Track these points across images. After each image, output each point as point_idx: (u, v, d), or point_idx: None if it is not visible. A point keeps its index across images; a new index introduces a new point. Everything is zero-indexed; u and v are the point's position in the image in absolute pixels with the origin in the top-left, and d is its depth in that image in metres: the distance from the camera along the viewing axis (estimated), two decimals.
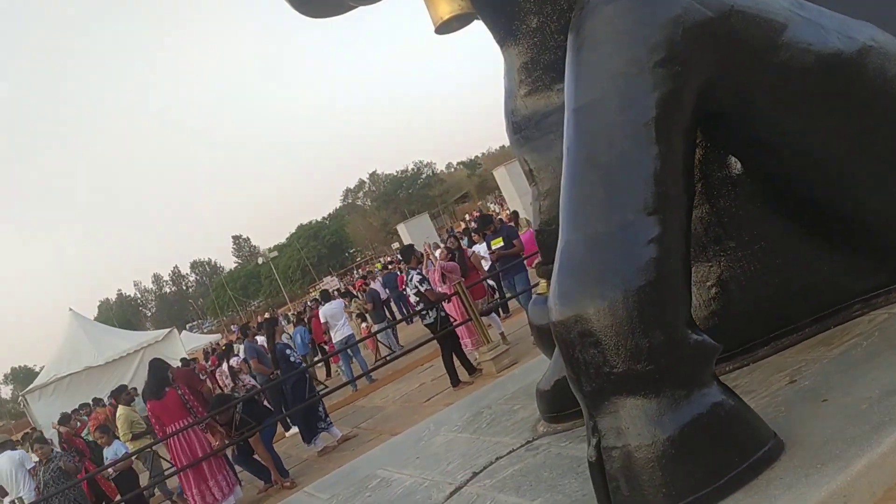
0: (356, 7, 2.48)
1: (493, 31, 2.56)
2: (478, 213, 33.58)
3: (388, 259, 36.46)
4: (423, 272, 10.06)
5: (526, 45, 2.46)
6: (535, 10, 2.39)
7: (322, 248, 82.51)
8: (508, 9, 2.42)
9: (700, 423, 1.69)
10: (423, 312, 9.45)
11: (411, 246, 13.06)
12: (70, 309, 22.43)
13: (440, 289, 9.79)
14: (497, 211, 30.10)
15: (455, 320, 9.60)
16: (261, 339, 12.33)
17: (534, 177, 2.60)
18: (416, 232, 32.39)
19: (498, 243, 11.33)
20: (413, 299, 9.79)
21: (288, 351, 9.67)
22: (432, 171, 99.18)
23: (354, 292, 18.51)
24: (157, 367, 9.13)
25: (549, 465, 2.55)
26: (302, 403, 9.12)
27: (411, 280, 9.44)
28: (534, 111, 2.53)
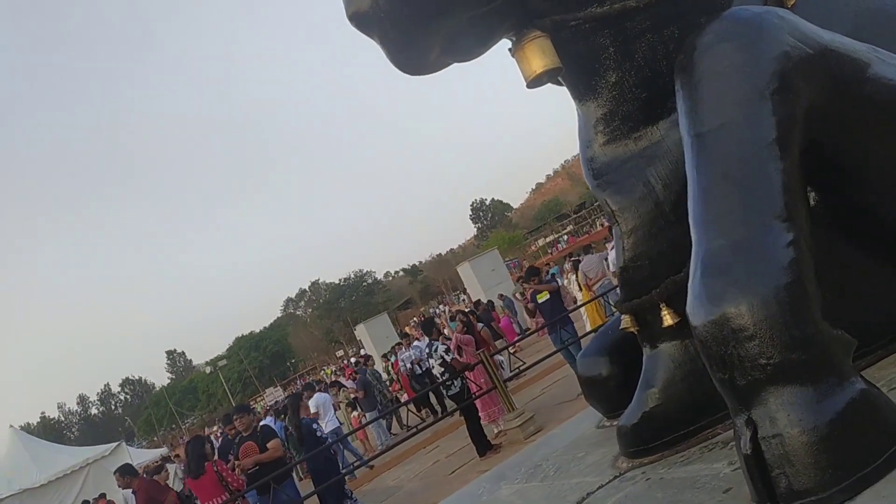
0: (451, 64, 2.66)
1: (573, 87, 2.76)
2: (422, 318, 33.73)
3: (348, 362, 35.93)
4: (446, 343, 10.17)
5: (605, 99, 2.66)
6: (614, 67, 2.59)
7: (264, 359, 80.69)
8: (590, 65, 2.61)
9: (855, 407, 1.79)
10: (449, 383, 9.46)
11: (432, 319, 13.29)
12: (10, 426, 21.34)
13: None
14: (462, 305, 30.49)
15: (477, 391, 9.61)
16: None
17: (616, 218, 2.75)
18: (377, 332, 32.28)
19: (544, 297, 11.54)
20: (437, 370, 9.81)
21: (315, 426, 9.40)
22: (374, 279, 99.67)
23: (343, 381, 18.28)
24: (196, 445, 8.92)
25: (657, 487, 2.53)
26: (333, 478, 8.80)
27: (436, 351, 9.47)
28: (613, 158, 2.71)
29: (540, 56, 2.52)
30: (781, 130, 2.01)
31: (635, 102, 2.65)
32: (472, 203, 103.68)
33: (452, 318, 16.32)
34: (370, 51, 2.57)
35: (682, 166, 2.59)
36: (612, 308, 13.38)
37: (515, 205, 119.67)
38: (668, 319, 2.64)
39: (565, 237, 56.03)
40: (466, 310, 16.18)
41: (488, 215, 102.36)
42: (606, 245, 16.62)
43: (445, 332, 13.99)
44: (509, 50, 2.67)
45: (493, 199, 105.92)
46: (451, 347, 10.01)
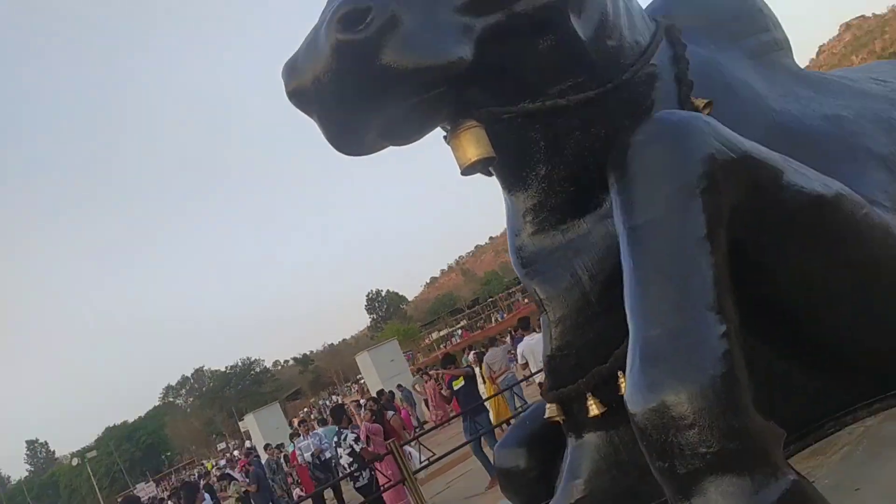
0: (387, 147, 2.68)
1: (503, 177, 2.82)
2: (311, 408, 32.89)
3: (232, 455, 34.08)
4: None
5: (534, 191, 2.73)
6: (544, 160, 2.68)
7: (136, 451, 75.59)
8: (521, 158, 2.69)
9: (789, 498, 1.83)
10: (357, 474, 9.03)
11: (342, 406, 12.80)
12: None
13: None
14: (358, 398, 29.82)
15: (385, 483, 9.21)
16: None
17: (544, 306, 2.79)
18: (267, 422, 30.96)
19: (459, 383, 11.38)
20: (346, 460, 9.37)
21: None
22: (262, 367, 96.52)
23: (235, 474, 17.07)
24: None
25: None
26: None
27: (345, 439, 9.06)
28: (541, 248, 2.77)
29: (475, 145, 2.57)
30: (710, 227, 2.12)
31: (563, 195, 2.73)
32: (368, 293, 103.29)
33: (361, 407, 15.92)
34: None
35: (607, 259, 2.68)
36: (522, 401, 13.52)
37: (410, 297, 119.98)
38: (594, 409, 2.66)
39: (459, 331, 56.40)
40: (363, 399, 15.84)
41: (384, 306, 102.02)
42: (504, 339, 16.78)
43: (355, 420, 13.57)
44: (444, 137, 2.72)
45: (388, 290, 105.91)
46: (361, 436, 9.72)
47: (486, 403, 11.12)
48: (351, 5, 2.24)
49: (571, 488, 2.69)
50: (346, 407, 12.34)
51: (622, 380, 2.64)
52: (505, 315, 52.46)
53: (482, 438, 10.60)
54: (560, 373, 2.77)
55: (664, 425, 1.90)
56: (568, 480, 2.72)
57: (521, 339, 12.40)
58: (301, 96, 2.45)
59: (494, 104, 2.63)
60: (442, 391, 12.88)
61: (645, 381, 1.97)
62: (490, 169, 2.83)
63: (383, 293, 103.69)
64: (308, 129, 2.67)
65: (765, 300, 2.48)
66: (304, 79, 2.39)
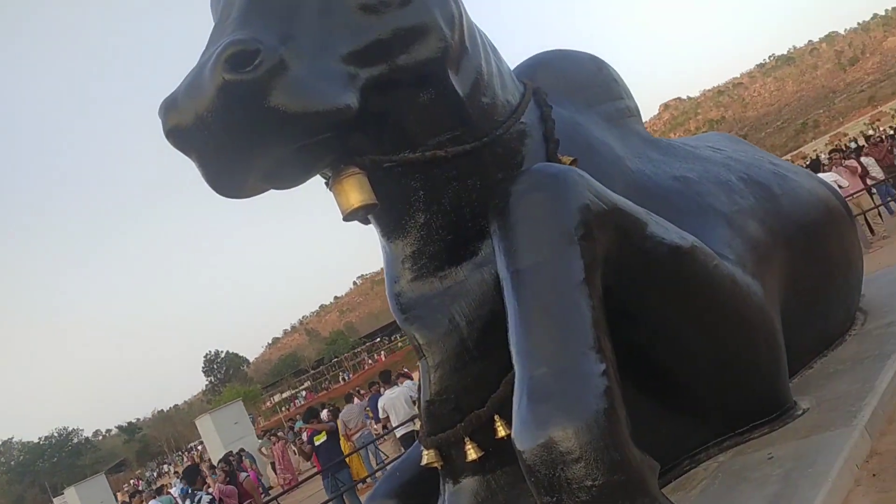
0: (268, 190, 2.64)
1: (383, 224, 2.85)
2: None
3: None
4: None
5: (413, 238, 2.78)
6: (423, 209, 2.74)
7: None
8: (401, 205, 2.75)
9: None
10: None
11: (196, 466, 11.93)
12: None
13: None
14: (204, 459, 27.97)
15: None
16: None
17: (423, 352, 2.82)
18: (91, 497, 28.25)
19: (321, 438, 11.02)
20: None
21: None
22: (81, 438, 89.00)
23: None
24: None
25: None
26: None
27: (199, 502, 8.35)
28: (420, 294, 2.81)
29: (358, 191, 2.59)
30: (588, 272, 2.25)
31: (441, 243, 2.80)
32: (207, 354, 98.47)
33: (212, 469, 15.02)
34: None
35: (484, 305, 2.76)
36: (378, 459, 13.24)
37: (251, 358, 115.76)
38: (472, 453, 2.69)
39: (303, 393, 54.95)
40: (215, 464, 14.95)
41: (223, 368, 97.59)
42: (357, 397, 16.49)
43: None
44: (326, 183, 2.72)
45: (228, 351, 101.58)
46: (215, 496, 9.13)
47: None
48: (239, 46, 2.21)
49: None
50: (199, 467, 11.57)
51: (499, 423, 2.70)
52: (351, 375, 51.86)
53: (344, 496, 10.35)
54: (438, 418, 2.79)
55: (552, 460, 1.96)
56: None
57: (377, 396, 12.31)
58: (180, 135, 2.35)
59: (376, 153, 2.67)
60: (302, 446, 12.44)
61: (533, 418, 2.03)
62: (368, 217, 2.86)
63: (223, 354, 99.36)
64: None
65: (629, 343, 2.64)
66: (184, 117, 2.30)
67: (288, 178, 2.62)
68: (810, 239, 3.51)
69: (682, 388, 2.80)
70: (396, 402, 10.32)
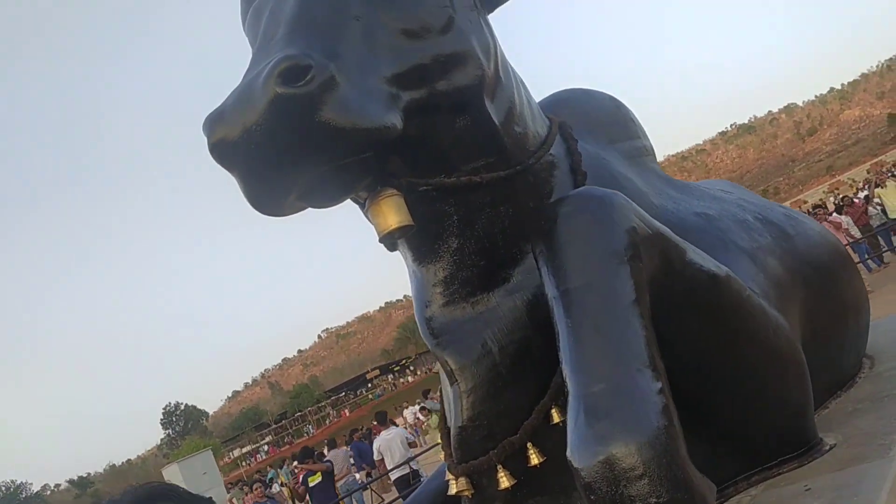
0: (305, 208, 2.63)
1: (413, 249, 2.84)
2: None
3: None
4: None
5: (446, 263, 2.77)
6: (457, 234, 2.75)
7: None
8: (435, 230, 2.75)
9: None
10: None
11: None
12: None
13: None
14: None
15: None
16: None
17: (455, 376, 2.78)
18: None
19: (316, 479, 10.66)
20: None
21: None
22: (30, 493, 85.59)
23: None
24: None
25: None
26: None
27: None
28: (451, 319, 2.79)
29: (396, 212, 2.59)
30: (639, 293, 2.26)
31: (474, 269, 2.79)
32: (165, 407, 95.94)
33: None
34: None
35: (516, 331, 2.75)
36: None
37: (211, 411, 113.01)
38: (504, 482, 2.64)
39: (266, 447, 53.64)
40: None
41: (181, 421, 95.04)
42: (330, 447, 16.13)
43: None
44: (360, 206, 2.73)
45: (187, 404, 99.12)
46: None
47: None
48: (292, 61, 2.23)
49: None
50: None
51: (532, 451, 2.66)
52: (314, 430, 50.88)
53: None
54: (470, 444, 2.74)
55: (615, 477, 1.93)
56: None
57: (359, 443, 12.08)
58: (225, 149, 2.33)
59: (412, 176, 2.68)
60: (297, 487, 12.10)
61: (592, 435, 2.00)
62: (398, 242, 2.85)
63: (182, 406, 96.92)
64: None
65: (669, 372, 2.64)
66: (232, 131, 2.29)
67: (327, 196, 2.61)
68: (824, 280, 3.56)
69: (712, 418, 2.79)
70: (392, 443, 10.07)
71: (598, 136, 3.55)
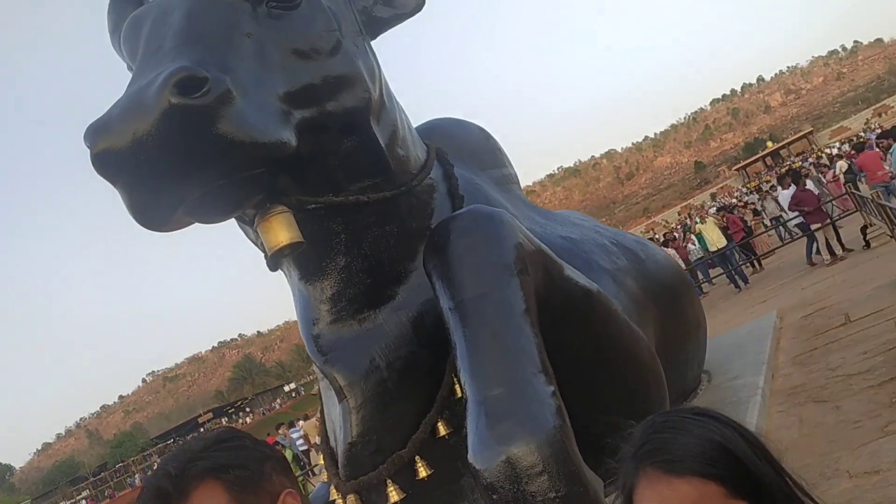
0: (191, 224, 2.57)
1: (301, 267, 2.84)
2: None
3: None
4: None
5: (333, 281, 2.79)
6: (344, 252, 2.78)
7: None
8: (322, 248, 2.77)
9: None
10: None
11: None
12: None
13: None
14: None
15: None
16: None
17: (344, 393, 2.80)
18: None
19: None
20: None
21: None
22: None
23: None
24: None
25: None
26: None
27: None
28: (339, 336, 2.81)
29: (286, 229, 2.59)
30: (528, 303, 2.40)
31: (361, 286, 2.84)
32: None
33: None
34: None
35: (402, 347, 2.81)
36: None
37: (17, 466, 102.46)
38: (394, 496, 2.67)
39: (83, 503, 49.27)
40: None
41: None
42: None
43: None
44: (246, 224, 2.70)
45: None
46: None
47: None
48: (188, 72, 2.18)
49: None
50: None
51: (420, 464, 2.71)
52: (139, 482, 47.37)
53: None
54: (359, 460, 2.75)
55: (516, 476, 2.02)
56: None
57: None
58: (111, 159, 2.22)
59: (302, 193, 2.70)
60: None
61: (493, 436, 2.09)
62: (284, 260, 2.83)
63: None
64: None
65: None
66: (119, 140, 2.19)
67: (217, 212, 2.56)
68: (671, 299, 3.91)
69: (584, 425, 2.98)
70: None
71: (469, 163, 3.73)
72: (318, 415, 3.39)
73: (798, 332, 7.02)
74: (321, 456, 3.18)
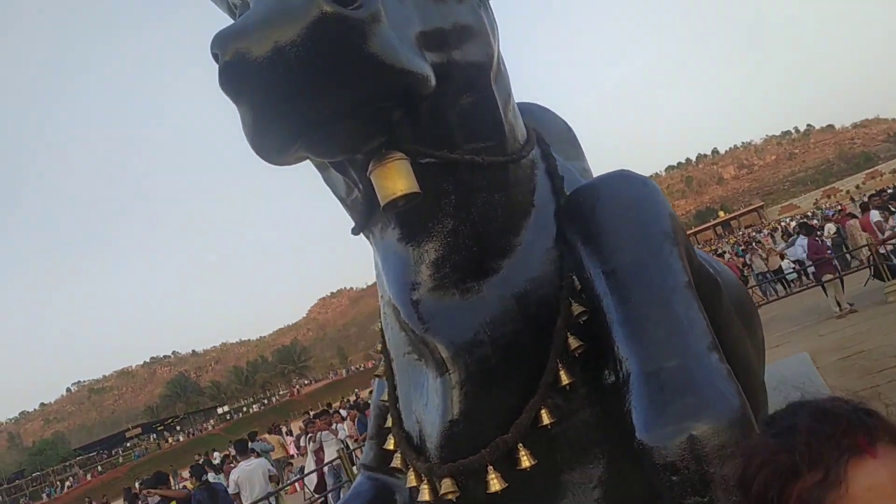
0: (304, 160, 2.32)
1: (406, 225, 2.62)
2: None
3: None
4: None
5: (438, 244, 2.58)
6: (452, 214, 2.57)
7: None
8: (431, 206, 2.56)
9: None
10: None
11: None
12: None
13: None
14: None
15: None
16: None
17: (447, 366, 2.54)
18: None
19: None
20: None
21: None
22: None
23: None
24: None
25: None
26: None
27: None
28: (442, 305, 2.57)
29: (404, 177, 2.37)
30: (689, 273, 2.20)
31: (466, 254, 2.61)
32: None
33: None
34: None
35: (506, 323, 2.57)
36: None
37: None
38: (496, 484, 2.40)
39: None
40: None
41: None
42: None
43: None
44: (353, 169, 2.47)
45: None
46: None
47: None
48: None
49: None
50: None
51: (523, 453, 2.45)
52: (58, 492, 45.11)
53: None
54: (458, 441, 2.48)
55: (705, 456, 1.80)
56: None
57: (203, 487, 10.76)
58: (244, 69, 1.94)
59: (419, 143, 2.48)
60: None
61: (675, 411, 1.86)
62: (376, 218, 2.60)
63: None
64: None
65: None
66: (257, 49, 1.91)
67: (335, 147, 2.31)
68: (748, 317, 3.77)
69: None
70: (253, 475, 8.91)
71: (557, 150, 3.54)
72: (374, 399, 3.11)
73: (843, 372, 6.91)
74: (390, 441, 2.88)
